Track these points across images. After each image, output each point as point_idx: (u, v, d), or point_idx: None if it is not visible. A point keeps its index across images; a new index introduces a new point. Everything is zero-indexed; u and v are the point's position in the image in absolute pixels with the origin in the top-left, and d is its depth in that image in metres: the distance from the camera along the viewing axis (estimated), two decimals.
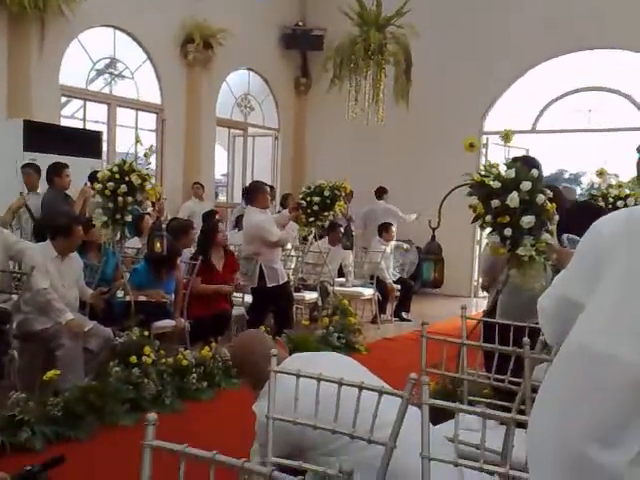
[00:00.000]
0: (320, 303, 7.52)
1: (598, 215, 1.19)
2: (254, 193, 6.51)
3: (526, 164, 3.59)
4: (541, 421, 0.90)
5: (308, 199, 6.95)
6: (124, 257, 5.62)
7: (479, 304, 9.35)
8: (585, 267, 0.99)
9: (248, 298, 6.64)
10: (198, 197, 9.84)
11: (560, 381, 0.89)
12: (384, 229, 8.64)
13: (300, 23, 11.91)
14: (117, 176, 4.73)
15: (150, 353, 4.71)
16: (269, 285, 6.37)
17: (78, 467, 3.57)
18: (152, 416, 1.48)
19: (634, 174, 6.01)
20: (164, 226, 5.19)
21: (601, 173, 5.43)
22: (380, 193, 10.01)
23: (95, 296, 5.00)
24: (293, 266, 7.76)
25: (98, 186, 4.72)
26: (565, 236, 3.00)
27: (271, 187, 10.61)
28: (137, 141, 5.01)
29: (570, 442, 0.83)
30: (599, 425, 0.82)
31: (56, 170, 6.57)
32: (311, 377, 2.11)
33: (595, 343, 0.85)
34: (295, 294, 7.24)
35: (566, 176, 20.23)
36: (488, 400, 2.94)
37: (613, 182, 5.30)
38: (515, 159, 3.59)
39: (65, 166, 6.62)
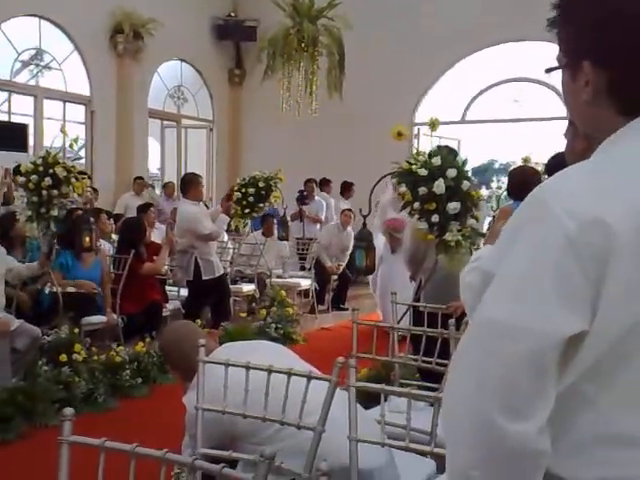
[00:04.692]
0: (258, 295, 7.50)
1: None
2: (188, 185, 6.43)
3: (451, 153, 3.67)
4: (453, 394, 0.91)
5: (243, 190, 6.90)
6: None
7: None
8: (504, 242, 1.00)
9: (184, 292, 6.55)
10: (138, 192, 9.56)
11: (468, 353, 0.91)
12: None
13: (232, 14, 11.78)
14: (41, 169, 4.57)
15: (81, 351, 4.59)
16: (205, 278, 6.30)
17: (7, 470, 3.47)
18: (69, 410, 1.45)
19: None
20: (92, 219, 5.05)
21: (526, 160, 5.62)
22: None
23: (43, 263, 4.76)
24: (229, 258, 7.70)
25: (21, 179, 4.55)
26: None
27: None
28: (62, 131, 4.85)
29: (481, 415, 0.84)
30: (506, 397, 0.83)
31: None
32: (240, 366, 2.11)
33: (497, 314, 0.87)
34: (232, 286, 7.19)
35: (496, 166, 20.73)
36: (419, 383, 3.01)
37: (539, 169, 5.49)
38: (439, 147, 3.67)
39: None
